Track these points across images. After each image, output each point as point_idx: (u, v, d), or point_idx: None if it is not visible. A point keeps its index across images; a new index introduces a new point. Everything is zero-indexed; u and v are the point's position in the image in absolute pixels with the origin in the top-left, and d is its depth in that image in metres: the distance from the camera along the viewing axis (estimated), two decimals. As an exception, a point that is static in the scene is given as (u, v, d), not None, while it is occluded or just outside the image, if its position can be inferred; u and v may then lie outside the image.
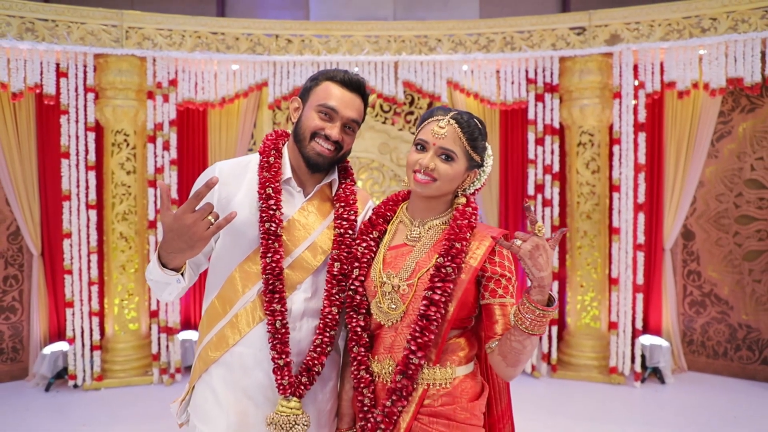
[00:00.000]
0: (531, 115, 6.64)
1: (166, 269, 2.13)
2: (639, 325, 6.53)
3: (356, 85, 2.38)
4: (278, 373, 2.24)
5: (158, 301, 6.53)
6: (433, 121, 2.20)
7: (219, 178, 2.18)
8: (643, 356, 6.56)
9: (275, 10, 7.97)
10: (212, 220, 1.98)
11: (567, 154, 6.76)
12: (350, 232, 2.37)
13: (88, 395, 6.19)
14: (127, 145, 6.40)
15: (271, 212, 2.27)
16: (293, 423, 2.20)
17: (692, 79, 6.11)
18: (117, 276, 6.42)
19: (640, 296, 6.51)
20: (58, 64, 6.17)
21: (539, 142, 6.66)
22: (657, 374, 6.55)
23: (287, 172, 2.39)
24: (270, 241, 2.26)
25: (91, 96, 6.25)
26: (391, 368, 2.18)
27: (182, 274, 2.20)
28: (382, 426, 2.11)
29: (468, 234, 2.16)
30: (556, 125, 6.61)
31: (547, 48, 6.48)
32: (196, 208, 1.97)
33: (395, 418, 2.11)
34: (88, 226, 6.30)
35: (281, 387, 2.23)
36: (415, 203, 2.31)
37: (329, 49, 6.54)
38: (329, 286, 2.32)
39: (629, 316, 6.47)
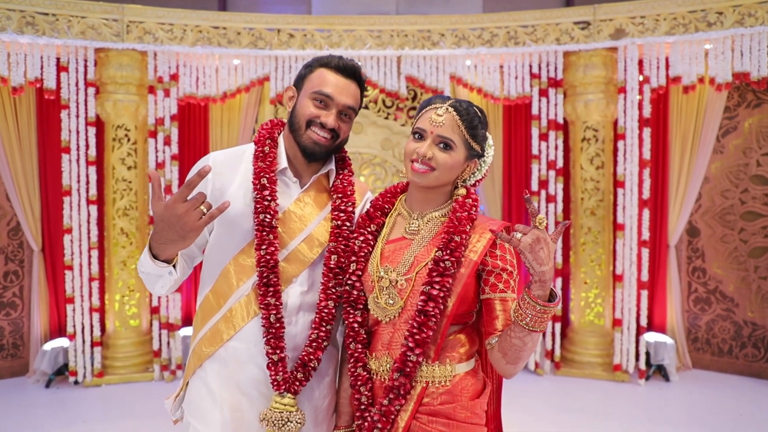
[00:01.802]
0: (535, 110, 6.57)
1: (157, 261, 2.09)
2: (643, 322, 6.44)
3: (351, 71, 2.32)
4: (273, 368, 2.19)
5: (159, 297, 6.48)
6: (431, 109, 2.15)
7: (212, 167, 2.13)
8: (647, 354, 6.49)
9: (277, 5, 7.94)
10: (204, 210, 1.93)
11: (571, 149, 6.70)
12: (348, 224, 2.32)
13: (88, 392, 6.16)
14: (128, 140, 6.36)
15: (266, 203, 2.22)
16: (286, 420, 2.16)
17: (698, 73, 6.04)
18: (118, 272, 6.39)
19: (644, 293, 6.43)
20: (58, 59, 6.15)
21: (543, 137, 6.61)
22: (661, 372, 6.50)
23: (283, 162, 2.34)
24: (265, 233, 2.21)
25: (91, 90, 6.22)
26: (388, 365, 2.13)
27: (174, 266, 2.16)
28: (380, 425, 2.06)
29: (468, 227, 2.10)
30: (560, 120, 6.56)
31: (551, 42, 6.43)
32: (188, 198, 1.93)
33: (393, 417, 2.06)
34: (88, 222, 6.28)
35: (275, 383, 2.19)
36: (413, 195, 2.25)
37: (331, 43, 6.50)
38: (326, 279, 2.27)
39: (633, 313, 6.42)
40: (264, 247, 2.20)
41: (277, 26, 6.50)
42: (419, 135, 2.15)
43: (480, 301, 2.15)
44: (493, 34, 6.49)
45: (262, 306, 2.20)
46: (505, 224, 2.12)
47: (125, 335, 6.47)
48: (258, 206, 2.22)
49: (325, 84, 2.27)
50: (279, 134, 2.41)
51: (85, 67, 6.20)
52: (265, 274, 2.20)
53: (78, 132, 6.21)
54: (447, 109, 2.12)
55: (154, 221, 1.98)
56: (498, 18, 6.51)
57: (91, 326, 6.33)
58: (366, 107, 6.88)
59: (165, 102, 6.36)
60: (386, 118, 6.97)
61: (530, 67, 6.53)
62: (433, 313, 2.01)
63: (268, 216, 2.21)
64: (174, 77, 6.36)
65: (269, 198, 2.23)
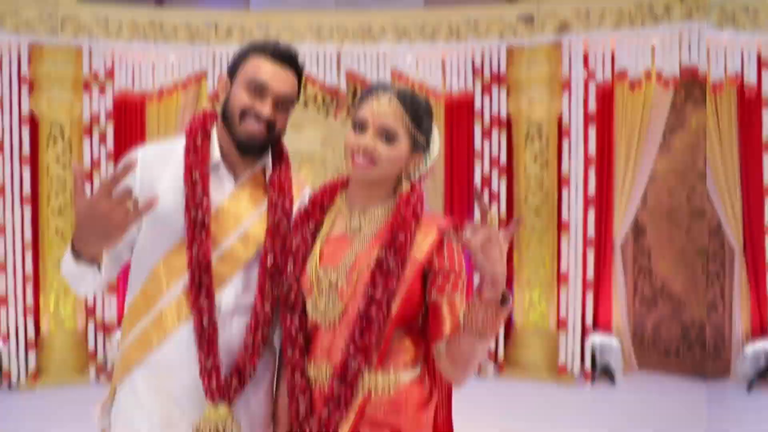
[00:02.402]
0: (477, 107, 6.43)
1: (79, 260, 1.86)
2: (589, 322, 6.24)
3: (288, 58, 2.06)
4: (206, 376, 1.97)
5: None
6: (372, 98, 1.89)
7: (140, 161, 2.04)
8: (593, 355, 6.24)
9: (215, 1, 6.66)
10: (131, 207, 1.68)
11: (514, 146, 6.47)
12: (285, 221, 2.08)
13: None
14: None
15: (198, 199, 1.99)
16: (221, 431, 1.98)
17: (645, 66, 5.93)
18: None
19: (590, 293, 6.23)
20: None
21: (486, 134, 6.40)
22: (608, 373, 6.23)
23: (216, 155, 2.09)
24: (196, 232, 1.98)
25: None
26: (328, 373, 1.89)
27: (99, 267, 1.93)
28: None
29: (413, 224, 1.87)
30: (503, 117, 6.26)
31: (494, 37, 6.29)
32: (114, 194, 1.67)
33: (333, 428, 1.84)
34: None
35: (209, 392, 1.98)
36: (354, 190, 1.99)
37: (270, 38, 6.13)
38: (262, 280, 2.05)
39: (579, 313, 6.25)
40: (195, 246, 1.98)
41: (215, 21, 6.47)
42: (360, 126, 1.89)
43: (426, 304, 1.93)
44: (435, 29, 6.48)
45: (194, 309, 1.99)
46: (453, 222, 1.92)
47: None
48: (189, 203, 2.00)
49: (259, 72, 2.02)
50: (212, 126, 2.15)
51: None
52: (196, 275, 1.98)
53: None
54: (390, 97, 1.87)
55: (76, 218, 1.75)
56: (439, 13, 6.54)
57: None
58: (305, 104, 6.72)
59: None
60: (326, 115, 6.73)
61: (473, 62, 6.42)
62: (376, 317, 1.81)
63: (200, 213, 1.99)
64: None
65: (201, 194, 2.00)
